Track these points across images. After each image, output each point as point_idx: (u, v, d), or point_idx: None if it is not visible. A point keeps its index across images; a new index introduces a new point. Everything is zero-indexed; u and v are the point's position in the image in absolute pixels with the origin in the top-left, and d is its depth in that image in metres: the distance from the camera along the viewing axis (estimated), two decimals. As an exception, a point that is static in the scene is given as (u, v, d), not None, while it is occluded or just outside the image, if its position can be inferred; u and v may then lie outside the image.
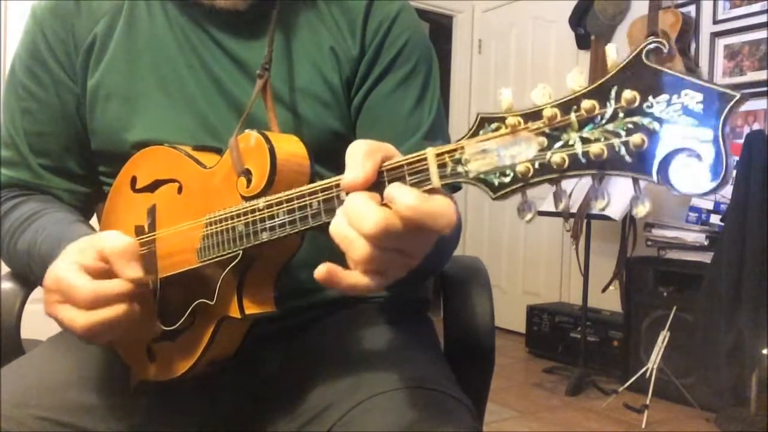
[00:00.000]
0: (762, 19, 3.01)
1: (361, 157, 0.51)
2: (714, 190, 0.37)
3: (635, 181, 0.41)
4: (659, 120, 0.39)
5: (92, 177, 0.87)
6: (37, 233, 0.75)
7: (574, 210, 3.05)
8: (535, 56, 4.11)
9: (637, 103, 0.40)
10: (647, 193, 0.41)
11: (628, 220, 3.16)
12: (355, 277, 0.51)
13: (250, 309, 0.64)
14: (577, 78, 0.43)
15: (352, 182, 0.50)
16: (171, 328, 0.69)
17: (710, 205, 2.94)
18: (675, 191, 0.38)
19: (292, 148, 0.64)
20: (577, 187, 3.06)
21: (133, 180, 0.77)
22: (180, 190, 0.72)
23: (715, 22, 3.21)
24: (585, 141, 0.42)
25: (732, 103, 0.37)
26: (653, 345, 2.76)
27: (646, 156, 0.40)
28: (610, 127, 0.41)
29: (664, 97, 0.39)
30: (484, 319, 0.91)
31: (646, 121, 0.40)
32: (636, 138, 0.40)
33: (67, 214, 0.80)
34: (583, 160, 0.42)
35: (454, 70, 4.59)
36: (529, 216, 0.47)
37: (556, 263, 3.98)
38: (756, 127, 3.00)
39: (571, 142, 0.42)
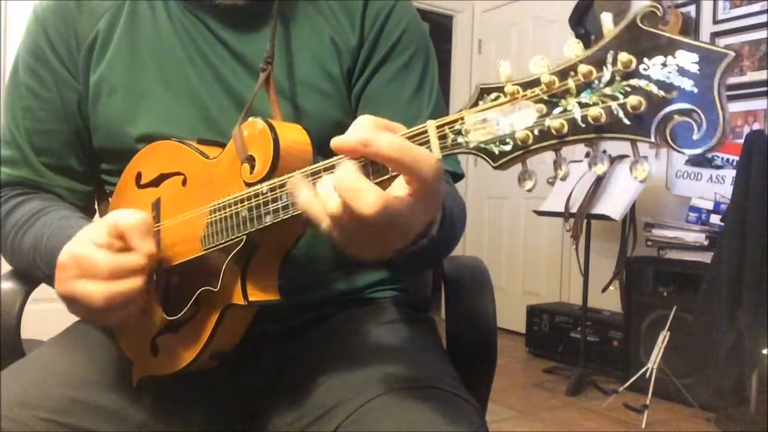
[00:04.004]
0: (762, 19, 3.02)
1: (363, 125, 0.51)
2: (712, 148, 0.38)
3: (633, 143, 0.41)
4: (656, 81, 0.40)
5: (93, 176, 0.87)
6: (44, 228, 0.75)
7: (574, 210, 3.06)
8: (535, 56, 4.11)
9: (633, 66, 0.41)
10: (645, 155, 0.41)
11: (628, 220, 3.16)
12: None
13: (254, 296, 0.64)
14: (574, 47, 0.44)
15: (341, 141, 0.50)
16: (175, 317, 0.69)
17: (710, 205, 2.95)
18: (674, 150, 0.39)
19: (295, 136, 0.65)
20: (577, 187, 3.06)
21: (138, 176, 0.77)
22: (184, 182, 0.72)
23: (715, 22, 3.22)
24: (583, 106, 0.42)
25: (727, 61, 0.37)
26: (653, 345, 2.76)
27: (644, 117, 0.40)
28: (607, 90, 0.41)
29: (660, 58, 0.40)
30: (487, 319, 0.91)
31: (642, 83, 0.40)
32: (633, 100, 0.40)
33: (71, 211, 0.81)
34: (582, 125, 0.42)
35: (454, 70, 4.60)
36: (530, 184, 0.47)
37: (556, 263, 3.98)
38: (756, 127, 3.00)
39: (569, 108, 0.43)
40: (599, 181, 2.98)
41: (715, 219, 2.89)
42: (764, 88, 2.92)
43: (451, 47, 4.61)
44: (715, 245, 2.71)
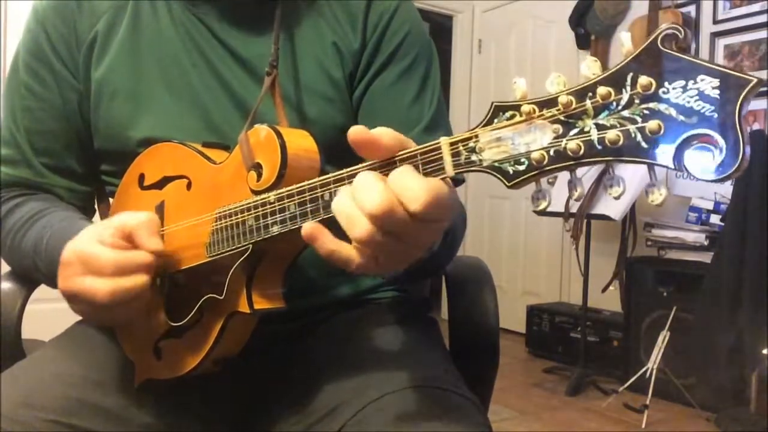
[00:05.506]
0: (762, 19, 3.02)
1: (383, 130, 0.51)
2: (731, 176, 0.38)
3: (651, 167, 0.41)
4: (675, 106, 0.40)
5: (93, 176, 0.87)
6: (44, 230, 0.75)
7: (574, 210, 3.06)
8: (535, 56, 4.11)
9: (653, 89, 0.40)
10: (662, 179, 0.41)
11: (628, 220, 3.16)
12: (347, 251, 0.51)
13: (260, 304, 0.64)
14: (591, 66, 0.44)
15: (356, 130, 0.50)
16: (179, 323, 0.69)
17: (710, 205, 2.95)
18: (692, 177, 0.38)
19: (302, 143, 0.64)
20: (577, 187, 3.06)
21: (141, 177, 0.77)
22: (189, 186, 0.71)
23: (715, 22, 3.22)
24: (601, 128, 0.42)
25: (749, 88, 0.37)
26: (653, 345, 2.76)
27: (663, 142, 0.40)
28: (626, 113, 0.41)
29: (680, 82, 0.39)
30: (489, 319, 0.92)
31: (662, 107, 0.40)
32: (652, 124, 0.40)
33: (71, 212, 0.80)
34: (599, 147, 0.42)
35: (454, 70, 4.60)
36: (543, 204, 0.47)
37: (556, 263, 3.98)
38: (756, 127, 3.01)
39: (586, 129, 0.42)
40: (599, 181, 2.98)
41: (715, 219, 2.89)
42: (764, 88, 2.91)
43: (451, 47, 4.60)
44: (715, 245, 2.71)
